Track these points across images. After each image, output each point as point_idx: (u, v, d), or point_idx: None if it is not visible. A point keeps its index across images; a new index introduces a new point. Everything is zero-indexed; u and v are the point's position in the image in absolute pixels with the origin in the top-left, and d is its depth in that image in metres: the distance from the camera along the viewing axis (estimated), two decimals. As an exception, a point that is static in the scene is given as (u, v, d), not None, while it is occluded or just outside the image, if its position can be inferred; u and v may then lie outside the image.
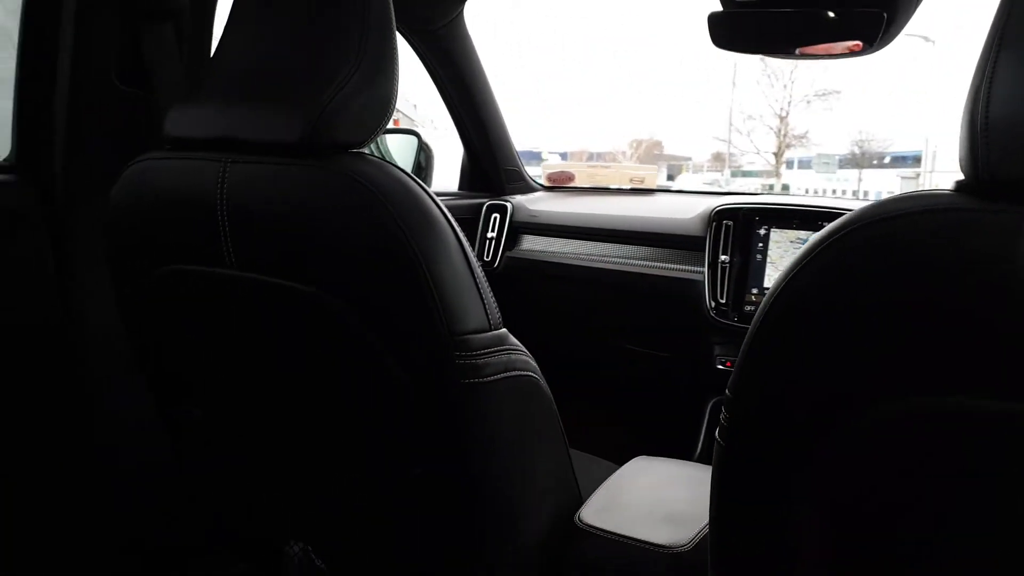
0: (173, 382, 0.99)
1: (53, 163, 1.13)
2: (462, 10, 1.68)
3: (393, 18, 0.84)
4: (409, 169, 2.31)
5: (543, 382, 0.84)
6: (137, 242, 0.88)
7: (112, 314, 0.96)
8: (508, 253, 1.95)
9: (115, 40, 1.11)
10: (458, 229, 0.75)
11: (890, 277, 0.46)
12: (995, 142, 0.44)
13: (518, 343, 0.81)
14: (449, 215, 0.75)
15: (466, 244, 0.75)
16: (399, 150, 2.38)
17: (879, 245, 0.47)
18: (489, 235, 1.97)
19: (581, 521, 0.89)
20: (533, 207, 2.00)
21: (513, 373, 0.78)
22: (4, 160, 1.17)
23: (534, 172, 2.23)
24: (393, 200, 0.70)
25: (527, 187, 2.17)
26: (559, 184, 2.27)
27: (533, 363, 0.82)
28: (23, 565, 1.17)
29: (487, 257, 1.95)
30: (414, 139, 2.22)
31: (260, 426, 0.95)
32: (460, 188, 2.14)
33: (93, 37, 1.09)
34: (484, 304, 0.76)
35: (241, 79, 0.82)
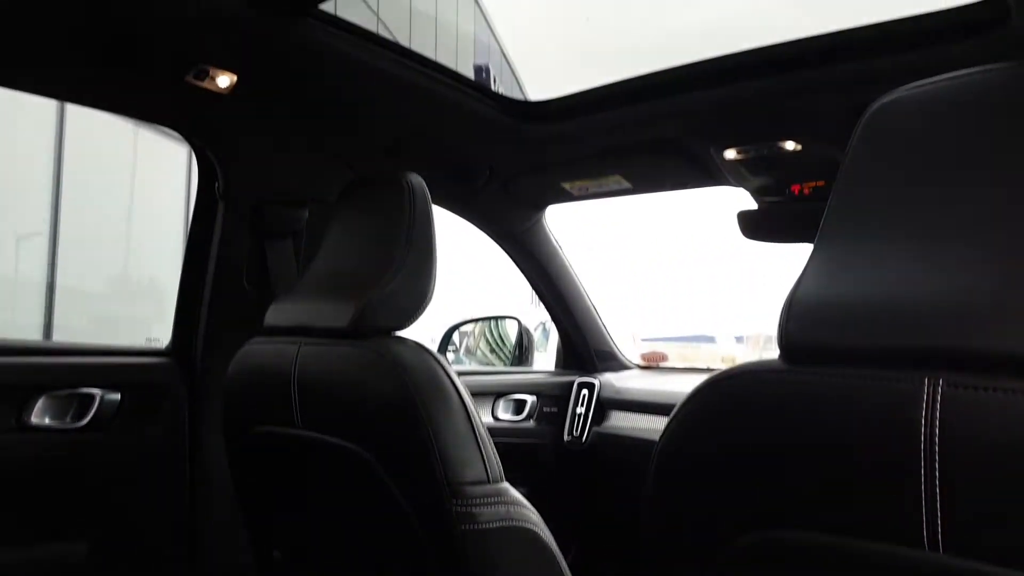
0: (262, 525, 1.18)
1: (196, 350, 1.44)
2: (543, 214, 1.95)
3: (434, 233, 1.08)
4: (511, 349, 2.50)
5: (545, 535, 0.94)
6: (240, 408, 1.12)
7: (226, 468, 1.19)
8: (596, 428, 2.06)
9: (248, 253, 1.44)
10: (466, 397, 0.92)
11: (721, 426, 0.58)
12: (794, 316, 0.56)
13: (520, 498, 0.93)
14: (460, 386, 0.92)
15: (471, 410, 0.92)
16: (506, 332, 2.63)
17: (714, 400, 0.59)
18: (578, 411, 2.10)
19: None
20: (621, 385, 2.12)
21: (511, 523, 0.90)
22: (165, 348, 1.51)
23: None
24: (412, 373, 0.89)
25: (620, 365, 2.30)
26: (652, 363, 2.39)
27: (535, 517, 0.94)
28: None
29: (576, 432, 2.06)
30: (516, 323, 2.46)
31: (321, 570, 1.11)
32: (556, 367, 2.31)
33: (232, 253, 1.42)
34: (484, 460, 0.90)
35: (319, 280, 1.08)
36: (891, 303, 0.51)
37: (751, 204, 1.63)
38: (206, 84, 1.20)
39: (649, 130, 1.49)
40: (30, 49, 1.08)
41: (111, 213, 6.34)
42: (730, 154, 1.44)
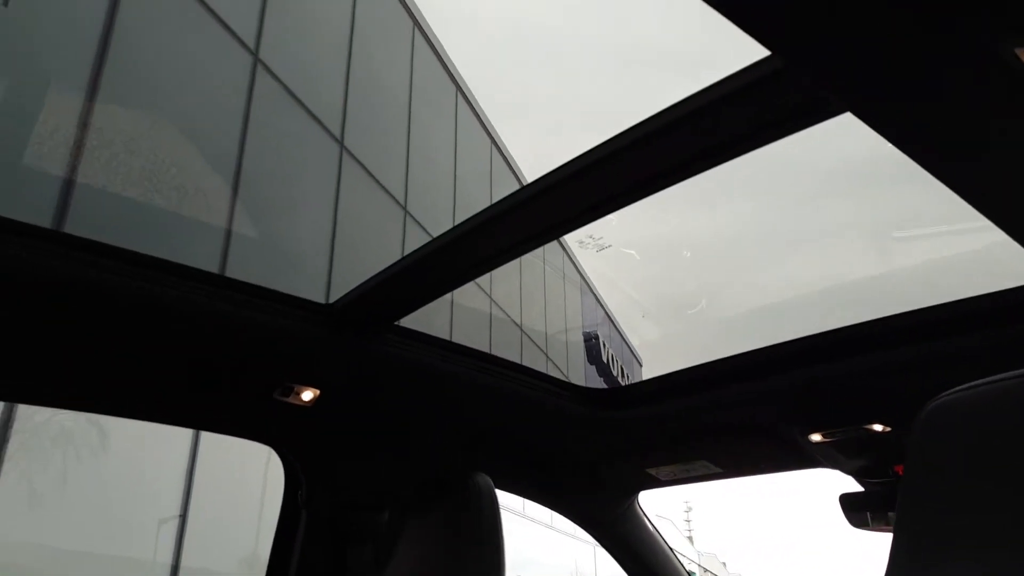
0: None
1: None
2: (635, 500, 1.87)
3: (502, 537, 1.06)
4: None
5: None
6: None
7: None
8: None
9: (329, 561, 1.43)
10: None
11: None
12: None
13: None
14: None
15: None
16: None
17: None
18: None
19: None
20: None
21: None
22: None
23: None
24: None
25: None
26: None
27: None
28: None
29: None
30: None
31: None
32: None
33: (313, 561, 1.42)
34: None
35: None
36: None
37: (856, 487, 1.50)
38: (291, 399, 1.30)
39: (731, 414, 1.45)
40: (132, 380, 1.22)
41: (245, 492, 6.62)
42: (816, 437, 1.36)
